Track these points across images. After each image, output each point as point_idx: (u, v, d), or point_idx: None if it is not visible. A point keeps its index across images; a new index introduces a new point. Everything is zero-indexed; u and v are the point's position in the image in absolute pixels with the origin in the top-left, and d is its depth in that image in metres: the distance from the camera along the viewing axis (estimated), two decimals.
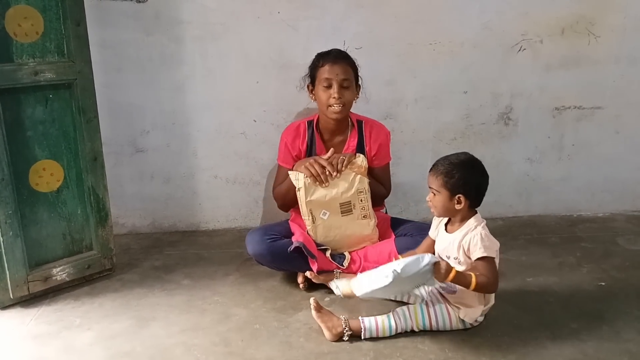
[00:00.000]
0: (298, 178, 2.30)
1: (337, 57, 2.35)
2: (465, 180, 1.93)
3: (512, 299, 2.16)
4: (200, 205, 2.96)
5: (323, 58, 2.37)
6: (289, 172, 2.34)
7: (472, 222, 1.96)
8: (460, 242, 1.94)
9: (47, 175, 2.26)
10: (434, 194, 1.98)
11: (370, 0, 2.70)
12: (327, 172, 2.26)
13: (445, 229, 2.04)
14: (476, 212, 2.00)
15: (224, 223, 3.00)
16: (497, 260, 1.97)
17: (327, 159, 2.29)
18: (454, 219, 2.01)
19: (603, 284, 2.34)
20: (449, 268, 1.83)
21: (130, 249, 2.76)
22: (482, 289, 1.90)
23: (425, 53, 2.79)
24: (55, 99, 2.22)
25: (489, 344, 1.94)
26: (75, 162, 2.31)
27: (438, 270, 1.81)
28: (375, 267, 2.29)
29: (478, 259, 1.90)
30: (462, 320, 1.99)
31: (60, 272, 2.32)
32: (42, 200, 2.27)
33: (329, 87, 2.32)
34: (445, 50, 2.80)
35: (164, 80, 2.73)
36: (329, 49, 2.43)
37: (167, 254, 2.71)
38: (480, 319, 2.01)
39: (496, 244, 1.94)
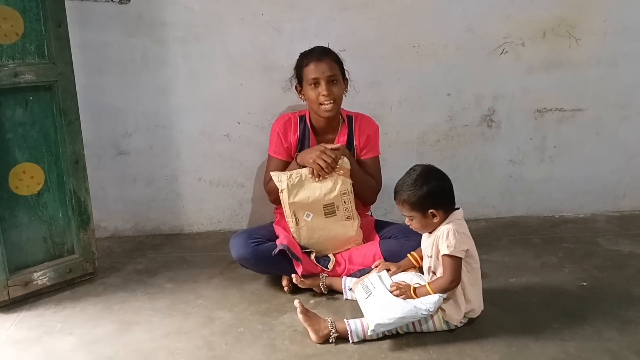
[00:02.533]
0: (281, 180, 2.29)
1: (321, 54, 2.34)
2: (428, 195, 1.93)
3: (495, 300, 2.18)
4: (184, 208, 2.94)
5: (307, 57, 2.36)
6: (272, 174, 2.33)
7: (447, 219, 1.97)
8: (434, 239, 1.97)
9: (28, 178, 2.23)
10: (410, 219, 2.00)
11: (354, 2, 2.71)
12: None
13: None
14: (457, 209, 2.00)
15: (208, 226, 2.98)
16: (472, 262, 1.97)
17: (332, 149, 2.28)
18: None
19: (585, 284, 2.37)
20: (405, 289, 1.96)
21: (112, 253, 2.74)
22: (439, 290, 1.92)
23: (409, 55, 2.80)
24: (35, 101, 2.19)
25: (472, 344, 1.94)
26: (56, 164, 2.29)
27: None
28: (360, 269, 2.29)
29: (443, 255, 1.92)
30: (446, 322, 1.99)
31: (41, 277, 2.29)
32: (23, 204, 2.24)
33: (317, 85, 2.31)
34: (429, 53, 2.81)
35: (146, 81, 2.71)
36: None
37: (150, 258, 2.68)
38: (464, 320, 2.02)
39: (463, 244, 1.92)
